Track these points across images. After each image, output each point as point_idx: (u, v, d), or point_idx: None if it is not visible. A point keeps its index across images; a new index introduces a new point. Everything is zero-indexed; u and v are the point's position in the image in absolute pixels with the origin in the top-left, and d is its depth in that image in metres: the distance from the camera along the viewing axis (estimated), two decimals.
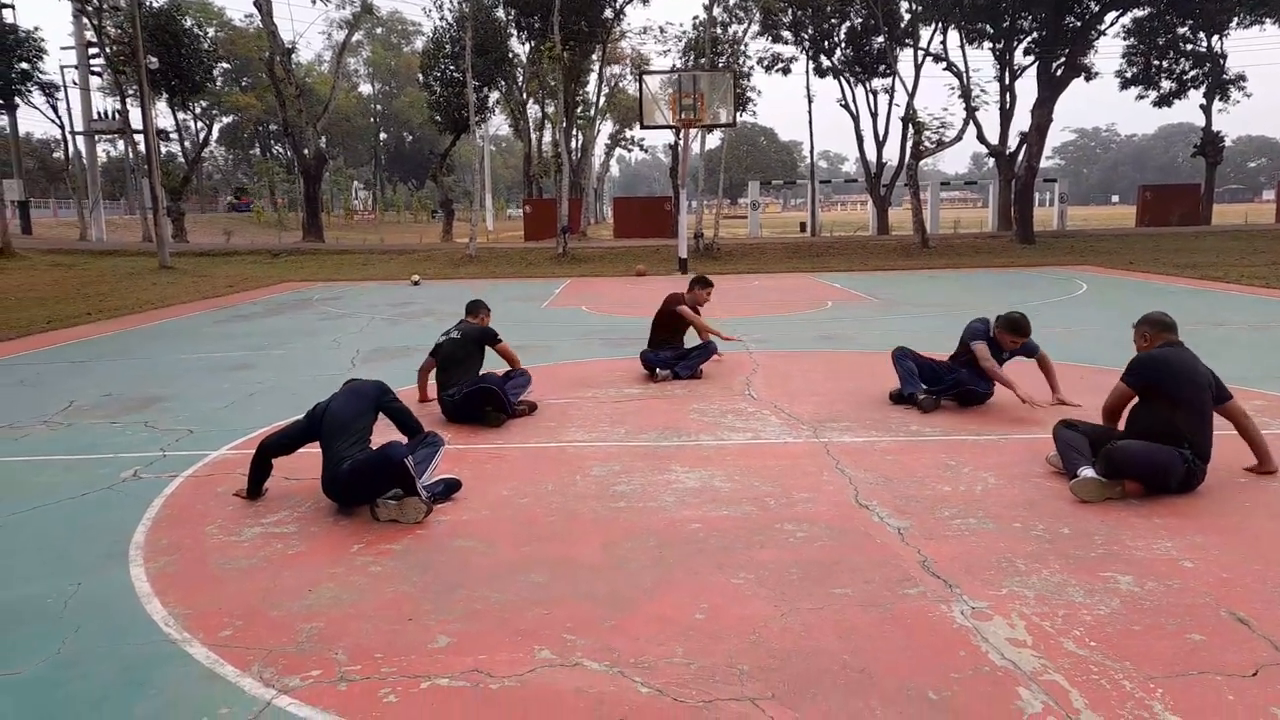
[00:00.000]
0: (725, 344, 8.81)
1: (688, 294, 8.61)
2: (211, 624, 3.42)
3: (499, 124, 67.51)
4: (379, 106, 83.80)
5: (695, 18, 34.92)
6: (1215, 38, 36.61)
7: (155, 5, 32.46)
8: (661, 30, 44.40)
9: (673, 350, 8.35)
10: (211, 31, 45.40)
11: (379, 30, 77.59)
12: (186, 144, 54.14)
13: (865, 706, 2.76)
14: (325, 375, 8.73)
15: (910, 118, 29.05)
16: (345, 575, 3.87)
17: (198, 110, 58.30)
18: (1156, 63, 36.80)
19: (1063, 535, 4.14)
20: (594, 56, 41.41)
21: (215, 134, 68.75)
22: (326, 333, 12.14)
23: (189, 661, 3.15)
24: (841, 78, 37.44)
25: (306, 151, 34.73)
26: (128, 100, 31.98)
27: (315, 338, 11.69)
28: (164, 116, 47.66)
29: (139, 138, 30.34)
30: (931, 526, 4.30)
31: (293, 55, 34.94)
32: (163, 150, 40.78)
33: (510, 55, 38.31)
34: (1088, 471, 4.57)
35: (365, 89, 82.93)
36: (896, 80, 33.89)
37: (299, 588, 3.74)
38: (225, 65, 57.37)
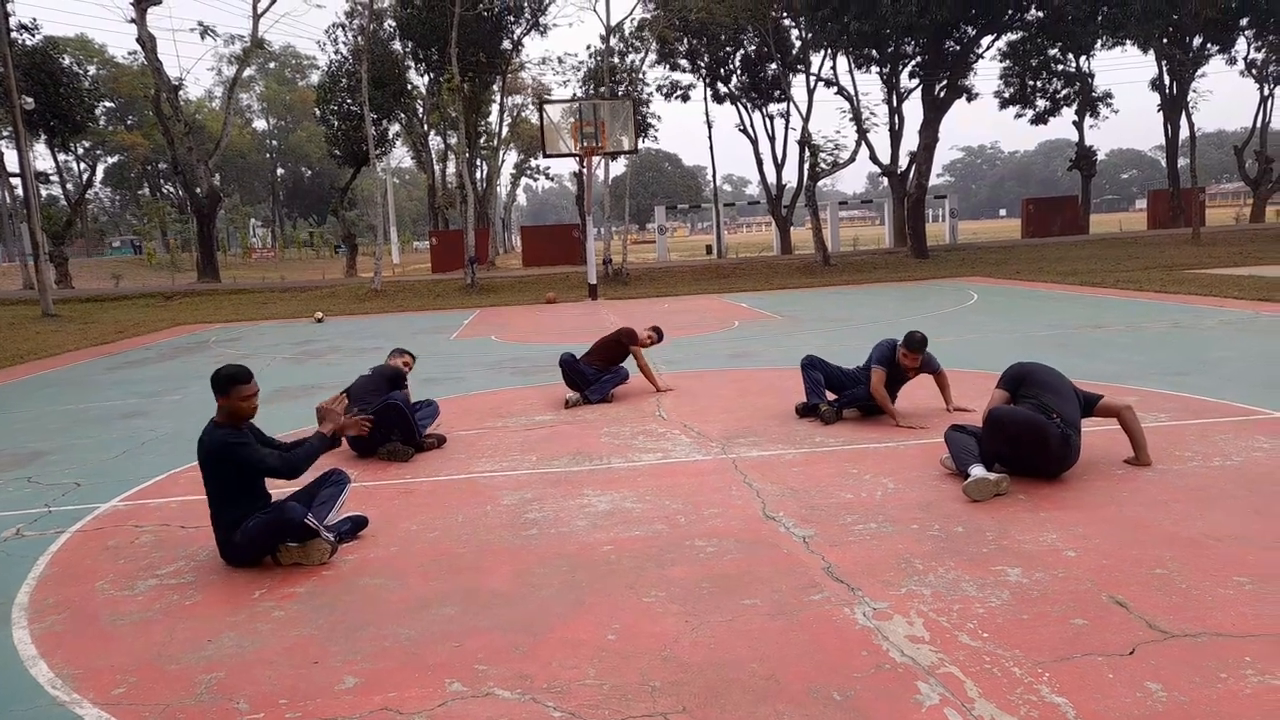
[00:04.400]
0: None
1: (642, 331, 8.59)
2: (103, 683, 3.27)
3: (401, 156, 66.77)
4: (275, 142, 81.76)
5: (589, 46, 35.38)
6: (1083, 58, 39.04)
7: (29, 43, 31.03)
8: (560, 60, 44.61)
9: (593, 371, 8.34)
10: (92, 69, 43.71)
11: (272, 65, 75.91)
12: (69, 185, 51.73)
13: (773, 711, 2.83)
14: None
15: (806, 141, 29.96)
16: (247, 623, 3.75)
17: (80, 150, 55.92)
18: (1031, 83, 38.94)
19: (957, 534, 4.33)
20: (494, 87, 41.40)
21: (100, 174, 65.96)
22: None
23: None
24: (739, 103, 38.35)
25: (199, 190, 33.62)
26: (2, 142, 30.43)
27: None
28: (43, 158, 45.61)
29: (16, 181, 28.87)
30: (835, 533, 4.43)
31: (180, 92, 33.84)
32: (43, 193, 38.84)
33: (409, 87, 37.97)
34: (977, 470, 4.80)
35: (260, 124, 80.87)
36: (791, 105, 34.93)
37: (197, 639, 3.61)
38: (108, 104, 55.26)
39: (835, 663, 3.13)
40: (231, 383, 4.35)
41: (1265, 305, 12.94)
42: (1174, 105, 39.83)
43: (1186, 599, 3.48)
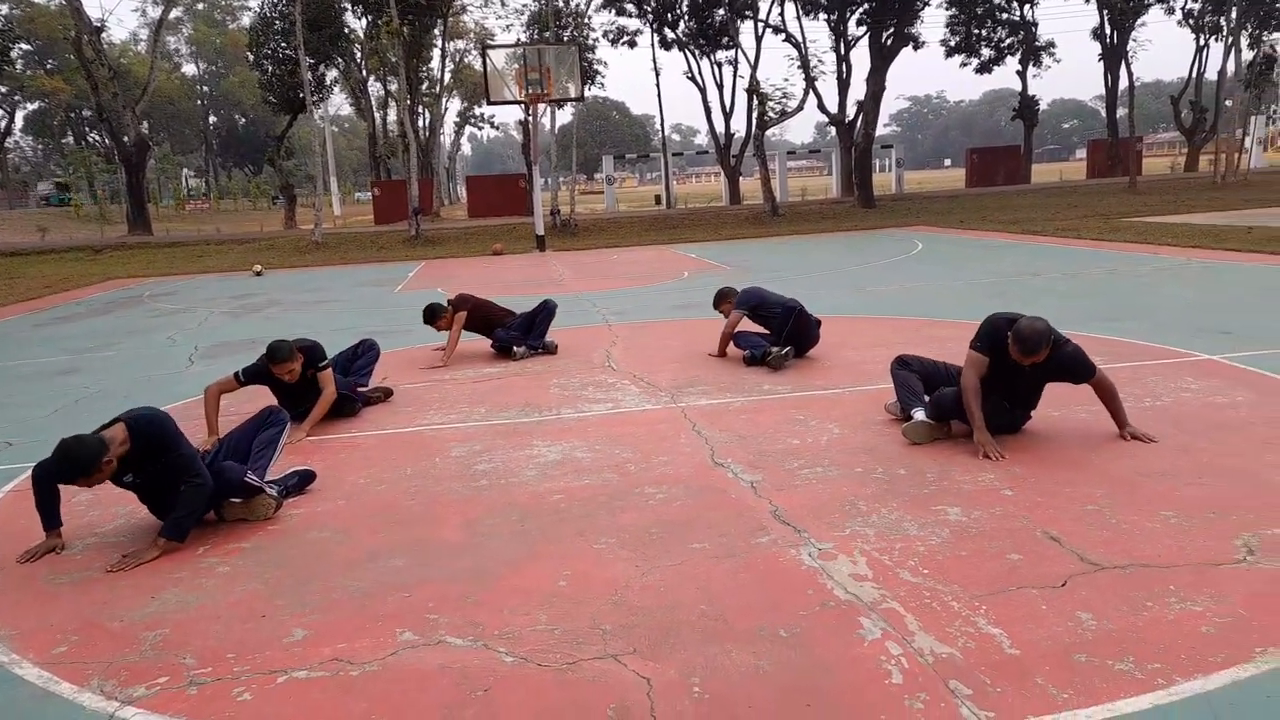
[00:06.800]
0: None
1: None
2: (43, 642, 3.20)
3: (340, 103, 64.74)
4: (206, 88, 78.61)
5: None
6: (1027, 7, 39.34)
7: None
8: (503, 3, 43.65)
9: (516, 328, 8.24)
10: (5, 8, 41.36)
11: (200, 6, 72.68)
12: None
13: (721, 650, 2.89)
14: (161, 374, 8.25)
15: (754, 89, 29.78)
16: (191, 579, 3.70)
17: None
18: (976, 31, 39.20)
19: (900, 476, 4.43)
20: (435, 31, 40.23)
21: (19, 122, 62.89)
22: (160, 330, 11.40)
23: (19, 683, 2.94)
24: (687, 50, 37.88)
25: (126, 138, 32.25)
26: None
27: (148, 336, 10.96)
28: None
29: None
30: (782, 478, 4.51)
31: (103, 34, 32.22)
32: None
33: (346, 30, 36.66)
34: (919, 414, 4.90)
35: (189, 69, 77.62)
36: (739, 52, 34.65)
37: (140, 596, 3.55)
38: (25, 46, 52.40)
39: (782, 602, 3.20)
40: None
41: (1196, 252, 13.34)
42: (1114, 55, 40.45)
43: (1116, 533, 3.63)
